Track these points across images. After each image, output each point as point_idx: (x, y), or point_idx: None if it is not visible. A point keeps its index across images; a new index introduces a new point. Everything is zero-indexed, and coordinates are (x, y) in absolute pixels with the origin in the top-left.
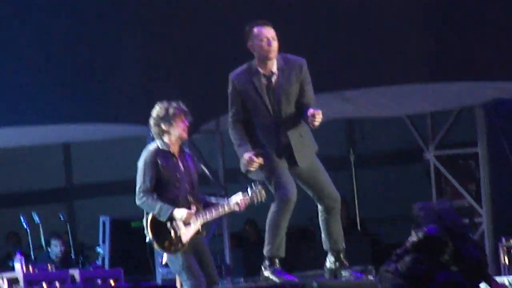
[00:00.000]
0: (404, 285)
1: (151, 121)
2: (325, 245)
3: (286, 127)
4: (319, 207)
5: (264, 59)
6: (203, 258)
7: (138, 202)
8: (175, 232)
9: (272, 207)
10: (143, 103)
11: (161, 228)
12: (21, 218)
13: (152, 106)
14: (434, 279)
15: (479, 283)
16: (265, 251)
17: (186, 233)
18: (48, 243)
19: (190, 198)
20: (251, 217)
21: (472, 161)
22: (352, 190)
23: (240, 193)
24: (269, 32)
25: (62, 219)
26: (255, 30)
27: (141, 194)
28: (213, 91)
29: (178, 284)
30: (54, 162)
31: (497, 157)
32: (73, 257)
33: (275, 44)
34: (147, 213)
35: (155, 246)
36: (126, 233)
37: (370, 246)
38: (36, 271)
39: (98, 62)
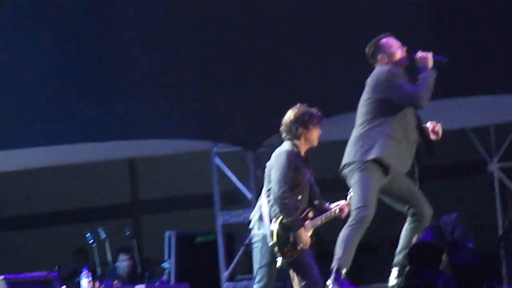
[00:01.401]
0: None
1: (288, 121)
2: (397, 257)
3: None
4: (411, 217)
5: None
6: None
7: (278, 201)
8: (295, 243)
9: (348, 221)
10: (207, 118)
11: (285, 236)
12: (88, 234)
13: (216, 121)
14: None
15: None
16: (334, 263)
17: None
18: (115, 259)
19: (308, 204)
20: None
21: None
22: None
23: (342, 201)
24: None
25: (127, 234)
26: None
27: (283, 195)
28: (277, 106)
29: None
30: (120, 178)
31: None
32: (139, 272)
33: None
34: (271, 219)
35: (276, 250)
36: (191, 248)
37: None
38: (102, 287)
39: (162, 79)
